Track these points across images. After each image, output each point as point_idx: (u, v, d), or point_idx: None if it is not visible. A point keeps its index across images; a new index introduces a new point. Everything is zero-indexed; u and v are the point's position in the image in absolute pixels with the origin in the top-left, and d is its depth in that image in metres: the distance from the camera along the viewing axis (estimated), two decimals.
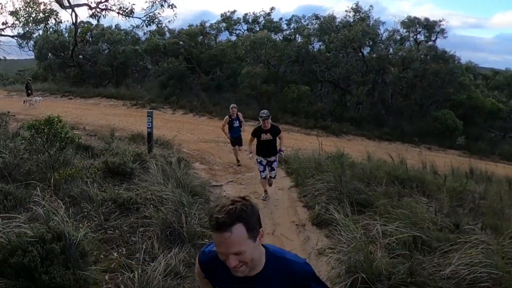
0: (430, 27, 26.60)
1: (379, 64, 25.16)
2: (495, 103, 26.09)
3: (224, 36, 31.49)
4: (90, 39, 30.99)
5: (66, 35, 29.20)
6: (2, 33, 23.22)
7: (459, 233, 5.47)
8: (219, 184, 9.48)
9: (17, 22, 22.14)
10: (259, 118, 8.17)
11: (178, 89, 26.03)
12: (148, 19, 24.00)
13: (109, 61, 29.61)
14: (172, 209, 5.77)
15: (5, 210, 5.50)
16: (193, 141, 14.80)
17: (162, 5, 23.71)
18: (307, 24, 29.15)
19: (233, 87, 26.61)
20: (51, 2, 21.87)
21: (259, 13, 31.24)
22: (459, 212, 6.80)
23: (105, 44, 30.89)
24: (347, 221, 5.34)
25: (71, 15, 23.23)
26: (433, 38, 27.01)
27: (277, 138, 8.32)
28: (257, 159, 8.35)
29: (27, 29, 23.06)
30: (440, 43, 26.89)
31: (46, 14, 21.74)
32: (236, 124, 11.30)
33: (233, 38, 30.89)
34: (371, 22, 26.63)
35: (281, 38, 29.19)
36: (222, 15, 31.29)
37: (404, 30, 27.51)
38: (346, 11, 27.50)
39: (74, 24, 24.53)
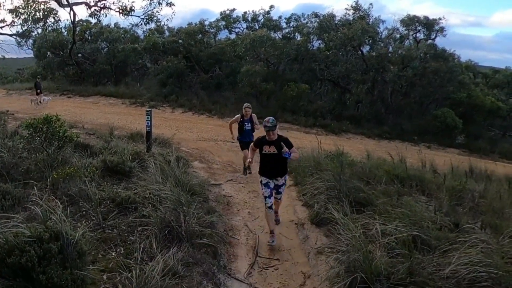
0: (430, 25, 26.54)
1: (378, 62, 25.11)
2: (495, 101, 26.04)
3: (223, 35, 31.47)
4: (89, 38, 30.96)
5: (65, 33, 29.12)
6: (1, 31, 23.17)
7: (459, 232, 5.46)
8: (218, 183, 9.46)
9: (15, 20, 22.10)
10: (263, 128, 6.37)
11: (178, 88, 25.99)
12: (147, 17, 23.91)
13: (108, 59, 29.58)
14: (170, 208, 5.75)
15: (3, 209, 5.48)
16: (192, 140, 14.77)
17: (160, 3, 23.59)
18: (307, 23, 29.11)
19: (232, 85, 26.55)
20: (50, 0, 21.82)
21: (259, 11, 31.19)
22: (459, 211, 6.79)
23: (104, 42, 30.87)
24: (346, 220, 5.33)
25: (70, 13, 23.14)
26: (432, 37, 26.95)
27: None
28: (261, 181, 6.57)
29: (26, 27, 23.02)
30: (440, 41, 26.85)
31: (45, 13, 21.68)
32: (248, 126, 9.88)
33: (233, 36, 30.83)
34: (371, 21, 26.54)
35: (280, 36, 29.15)
36: (221, 14, 31.25)
37: (404, 29, 27.45)
38: (345, 9, 27.33)
39: (73, 22, 24.44)
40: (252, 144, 6.81)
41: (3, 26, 22.86)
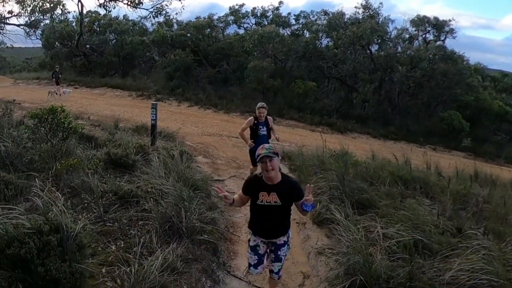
0: (440, 26, 26.36)
1: (387, 62, 25.00)
2: (503, 105, 25.90)
3: (232, 30, 31.48)
4: (98, 29, 31.01)
5: (74, 24, 29.20)
6: (8, 21, 23.24)
7: (461, 237, 5.42)
8: (222, 178, 9.44)
9: (23, 11, 22.16)
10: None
11: (184, 81, 26.01)
12: (156, 10, 23.91)
13: (116, 51, 29.65)
14: (172, 203, 5.73)
15: (5, 199, 5.48)
16: (197, 134, 14.76)
17: None
18: (316, 20, 28.98)
19: (239, 80, 26.53)
20: None
21: (268, 7, 31.22)
22: (462, 216, 6.74)
23: (113, 34, 30.95)
24: (347, 222, 5.30)
25: (78, 5, 23.23)
26: (442, 38, 26.78)
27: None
28: (248, 240, 4.34)
29: (33, 18, 23.08)
30: (449, 43, 26.72)
31: (52, 4, 21.73)
32: (263, 131, 7.93)
33: (241, 31, 30.81)
34: (380, 20, 26.41)
35: (289, 33, 29.07)
36: (230, 8, 31.25)
37: (413, 29, 27.27)
38: (355, 7, 27.23)
39: (80, 14, 24.52)
40: (241, 190, 4.16)
41: (11, 17, 22.92)
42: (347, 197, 6.60)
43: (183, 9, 29.40)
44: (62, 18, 23.44)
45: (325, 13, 28.59)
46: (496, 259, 4.65)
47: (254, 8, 31.40)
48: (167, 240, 5.12)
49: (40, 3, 21.60)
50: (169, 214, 5.44)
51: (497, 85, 33.96)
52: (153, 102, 11.08)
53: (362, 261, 4.49)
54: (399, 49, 27.14)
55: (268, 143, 6.86)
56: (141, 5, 23.46)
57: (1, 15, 21.96)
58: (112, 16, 30.21)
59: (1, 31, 23.55)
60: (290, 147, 12.79)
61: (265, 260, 4.30)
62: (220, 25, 30.80)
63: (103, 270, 4.43)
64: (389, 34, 26.97)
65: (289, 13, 30.78)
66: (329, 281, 4.73)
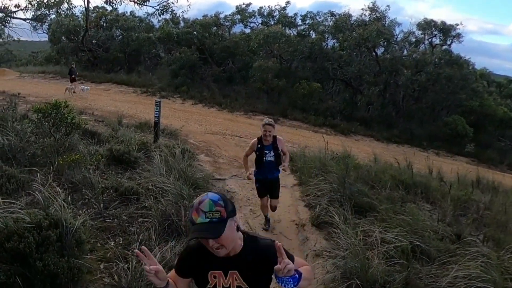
0: (446, 30, 26.29)
1: (392, 65, 24.96)
2: (507, 112, 25.81)
3: (238, 28, 31.55)
4: (104, 25, 31.08)
5: (80, 19, 29.28)
6: (15, 15, 23.30)
7: (460, 244, 5.41)
8: (223, 178, 9.44)
9: (30, 5, 22.22)
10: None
11: (189, 79, 26.03)
12: (162, 8, 23.96)
13: (122, 47, 29.71)
14: (172, 202, 5.76)
15: (7, 193, 5.52)
16: (200, 132, 14.77)
17: None
18: (322, 21, 29.01)
19: (244, 80, 26.55)
20: None
21: (274, 7, 31.24)
22: (462, 222, 6.72)
23: (119, 30, 31.00)
24: (346, 225, 5.30)
25: (84, 0, 23.30)
26: (448, 42, 26.72)
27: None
28: None
29: (40, 12, 23.14)
30: (456, 47, 26.61)
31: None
32: (270, 156, 6.21)
33: (247, 30, 30.89)
34: (387, 23, 26.35)
35: (295, 33, 29.07)
36: (237, 7, 31.35)
37: (420, 32, 27.23)
38: (362, 9, 27.24)
39: (86, 9, 24.58)
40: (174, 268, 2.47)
41: (18, 11, 22.99)
42: (347, 200, 6.59)
43: (189, 7, 29.46)
44: (69, 13, 23.45)
45: (332, 14, 28.62)
46: (494, 267, 4.64)
47: (261, 8, 31.51)
48: (166, 238, 5.13)
49: None
50: (169, 212, 5.46)
51: (502, 91, 33.86)
52: (157, 100, 11.10)
53: (359, 265, 4.50)
54: (405, 52, 27.12)
55: (276, 170, 6.34)
56: (147, 2, 23.48)
57: (8, 8, 22.01)
58: (119, 12, 30.29)
59: (7, 24, 23.62)
60: (293, 148, 12.78)
61: None
62: (227, 23, 30.88)
63: (101, 266, 4.47)
64: (395, 37, 26.96)
65: (295, 14, 30.85)
66: (325, 284, 4.74)
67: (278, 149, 6.24)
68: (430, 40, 27.31)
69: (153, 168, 7.29)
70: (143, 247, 2.25)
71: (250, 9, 31.42)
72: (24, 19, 24.21)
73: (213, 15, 30.24)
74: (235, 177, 9.61)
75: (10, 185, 5.79)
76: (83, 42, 28.15)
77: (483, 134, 24.64)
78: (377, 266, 4.50)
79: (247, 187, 8.98)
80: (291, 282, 2.05)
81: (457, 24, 26.36)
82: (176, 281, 2.36)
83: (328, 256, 5.39)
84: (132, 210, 5.80)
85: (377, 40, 24.53)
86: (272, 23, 29.95)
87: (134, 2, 23.08)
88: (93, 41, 29.97)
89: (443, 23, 26.37)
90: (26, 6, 22.45)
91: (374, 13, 26.53)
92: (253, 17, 31.51)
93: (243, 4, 31.35)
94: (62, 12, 22.87)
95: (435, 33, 26.84)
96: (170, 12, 25.04)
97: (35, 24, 25.41)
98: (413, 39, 27.67)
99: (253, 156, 6.41)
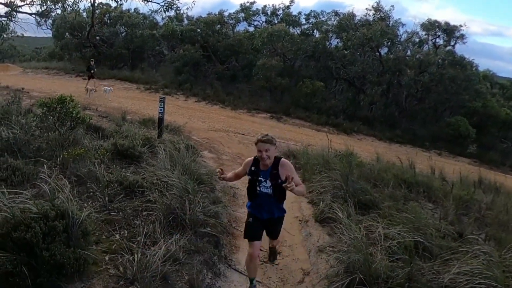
0: (450, 31, 26.29)
1: (395, 65, 24.95)
2: (510, 113, 25.78)
3: (242, 27, 31.56)
4: (108, 21, 31.12)
5: (85, 15, 29.32)
6: (20, 10, 23.36)
7: (462, 242, 5.43)
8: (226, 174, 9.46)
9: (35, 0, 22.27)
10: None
11: (193, 77, 26.06)
12: (166, 4, 23.96)
13: (126, 44, 29.74)
14: (176, 195, 5.79)
15: (12, 185, 5.55)
16: (204, 129, 14.82)
17: None
18: (326, 20, 29.01)
19: (247, 78, 26.56)
20: None
21: (279, 5, 31.27)
22: (464, 221, 6.75)
23: (123, 27, 31.00)
24: (349, 221, 5.33)
25: None
26: (452, 43, 26.74)
27: None
28: None
29: (45, 7, 23.17)
30: (459, 48, 26.60)
31: None
32: (266, 187, 4.46)
33: (251, 29, 30.91)
34: (391, 23, 26.33)
35: (298, 32, 29.06)
36: (241, 5, 31.40)
37: (424, 33, 27.23)
38: (366, 9, 27.29)
39: (92, 5, 24.61)
40: None
41: (23, 5, 23.05)
42: (350, 197, 6.62)
43: (194, 4, 29.38)
44: (73, 8, 23.47)
45: (336, 13, 28.64)
46: (496, 265, 4.66)
47: (265, 6, 31.57)
48: (171, 231, 5.17)
49: None
50: (174, 206, 5.49)
51: (505, 93, 33.81)
52: (161, 96, 11.15)
53: (362, 260, 4.52)
54: (409, 52, 27.09)
55: (276, 207, 4.56)
56: None
57: (14, 3, 22.07)
58: (123, 9, 30.31)
59: (13, 19, 23.67)
60: (296, 146, 12.82)
61: None
62: (231, 21, 30.86)
63: (107, 258, 4.49)
64: (399, 37, 26.94)
65: (299, 12, 30.87)
66: (328, 278, 4.76)
67: (279, 178, 4.27)
68: (433, 40, 27.32)
69: (158, 163, 7.33)
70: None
71: (254, 8, 31.48)
72: (30, 14, 24.28)
73: (217, 13, 30.24)
74: None
75: (15, 177, 5.82)
76: (89, 37, 28.17)
77: (485, 136, 24.62)
78: (380, 261, 4.52)
79: None
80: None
81: (461, 25, 26.43)
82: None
83: (331, 251, 5.42)
84: (137, 204, 5.82)
85: (381, 40, 24.54)
86: (276, 21, 29.94)
87: None
88: (97, 37, 29.99)
89: (447, 24, 26.40)
90: (32, 0, 22.52)
91: (378, 13, 26.52)
92: (257, 15, 31.55)
93: (247, 2, 31.38)
94: (67, 7, 22.89)
95: (439, 33, 26.86)
96: (175, 9, 25.01)
97: (40, 19, 25.48)
98: (417, 40, 27.67)
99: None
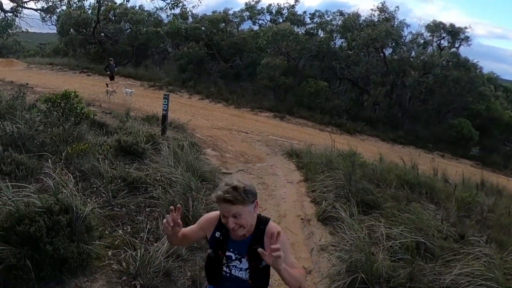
0: (455, 33, 26.20)
1: (400, 66, 24.91)
2: None
3: (246, 25, 31.56)
4: (113, 18, 31.17)
5: (90, 11, 29.37)
6: (25, 5, 23.42)
7: (464, 243, 5.44)
8: (229, 171, 9.49)
9: None
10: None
11: (197, 74, 26.07)
12: (173, 2, 23.98)
13: (130, 41, 29.75)
14: (180, 192, 5.82)
15: (16, 179, 5.58)
16: (207, 127, 14.83)
17: None
18: (331, 20, 28.98)
19: (251, 76, 26.58)
20: None
21: (283, 4, 31.21)
22: (466, 223, 6.75)
23: (128, 23, 31.02)
24: (352, 220, 5.34)
25: None
26: (456, 45, 26.62)
27: None
28: None
29: (50, 3, 23.22)
30: (464, 50, 26.57)
31: None
32: (238, 269, 2.58)
33: (256, 28, 30.92)
34: (396, 24, 26.26)
35: (303, 31, 29.00)
36: (246, 4, 31.32)
37: (428, 34, 27.11)
38: (371, 9, 27.27)
39: (98, 1, 24.64)
40: None
41: (29, 1, 23.11)
42: (353, 197, 6.62)
43: (200, 2, 29.50)
44: (80, 4, 23.52)
45: (341, 13, 28.59)
46: (497, 267, 4.68)
47: (270, 5, 31.50)
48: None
49: None
50: (177, 202, 5.50)
51: (509, 96, 33.70)
52: (165, 93, 11.17)
53: (364, 259, 4.54)
54: (413, 53, 27.03)
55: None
56: None
57: None
58: (128, 5, 30.36)
59: (18, 14, 23.73)
60: (299, 145, 12.82)
61: None
62: (235, 20, 30.88)
63: (109, 253, 4.52)
64: (404, 38, 26.86)
65: (304, 12, 30.87)
66: (330, 277, 4.78)
67: (263, 257, 2.27)
68: (438, 42, 27.23)
69: (161, 160, 7.36)
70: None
71: (259, 6, 31.43)
72: (36, 10, 24.33)
73: (222, 11, 30.28)
74: (241, 172, 9.68)
75: (19, 172, 5.85)
76: (94, 33, 28.22)
77: (488, 138, 24.57)
78: (382, 261, 4.54)
79: (252, 182, 9.01)
80: None
81: (465, 27, 26.31)
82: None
83: (333, 250, 5.43)
84: (140, 200, 5.86)
85: (385, 40, 24.48)
86: (281, 20, 29.95)
87: None
88: (102, 34, 30.05)
89: (451, 25, 26.28)
90: None
91: (383, 13, 26.48)
92: (261, 14, 31.51)
93: (252, 1, 31.38)
94: (73, 4, 22.92)
95: (444, 35, 26.75)
96: (180, 7, 25.05)
97: (45, 15, 25.53)
98: (421, 41, 27.57)
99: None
